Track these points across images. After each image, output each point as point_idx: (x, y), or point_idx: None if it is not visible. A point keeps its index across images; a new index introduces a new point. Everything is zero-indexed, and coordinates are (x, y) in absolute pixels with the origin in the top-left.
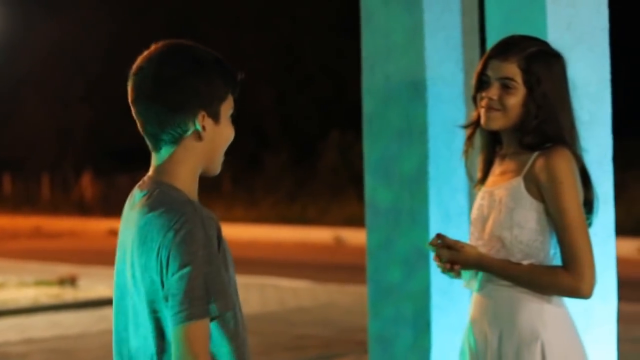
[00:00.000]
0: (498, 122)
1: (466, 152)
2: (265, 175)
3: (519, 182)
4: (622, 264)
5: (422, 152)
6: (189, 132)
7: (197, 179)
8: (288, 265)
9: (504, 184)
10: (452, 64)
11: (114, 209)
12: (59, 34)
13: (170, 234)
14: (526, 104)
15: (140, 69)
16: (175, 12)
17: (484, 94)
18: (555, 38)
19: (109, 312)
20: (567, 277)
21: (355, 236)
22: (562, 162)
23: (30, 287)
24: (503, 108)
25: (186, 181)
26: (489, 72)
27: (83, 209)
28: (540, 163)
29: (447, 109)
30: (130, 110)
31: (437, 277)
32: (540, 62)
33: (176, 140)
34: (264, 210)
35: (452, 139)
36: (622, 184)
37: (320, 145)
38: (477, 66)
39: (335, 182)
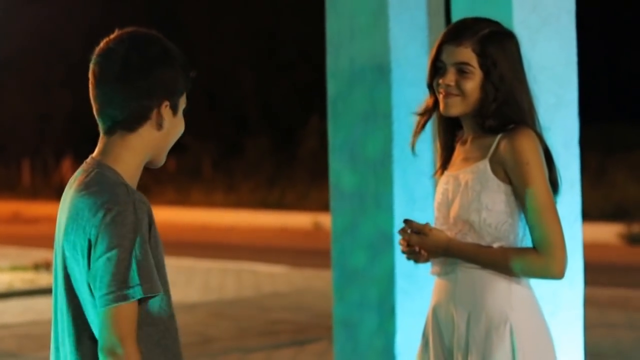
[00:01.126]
0: (457, 108)
1: (414, 140)
2: (245, 160)
3: (485, 164)
4: (602, 249)
5: (387, 135)
6: (150, 120)
7: (141, 169)
8: (266, 251)
9: (469, 168)
10: (417, 46)
11: None
12: (39, 19)
13: (100, 214)
14: (484, 87)
15: (109, 50)
16: None
17: (440, 81)
18: (521, 20)
19: None
20: (538, 259)
21: None
22: (527, 142)
23: (5, 272)
24: (461, 93)
25: (130, 167)
26: (444, 58)
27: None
28: (504, 144)
29: (412, 92)
30: None
31: (402, 262)
32: (495, 44)
33: (134, 127)
34: (244, 195)
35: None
36: (602, 168)
37: (301, 130)
38: (431, 52)
39: (315, 167)
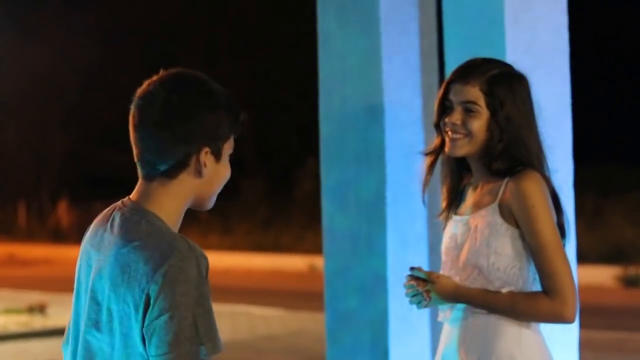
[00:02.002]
0: (464, 148)
1: (426, 181)
2: (241, 202)
3: (494, 209)
4: (598, 291)
5: (380, 177)
6: (189, 167)
7: (182, 215)
8: (261, 293)
9: (478, 212)
10: (409, 88)
11: None
12: (37, 60)
13: (162, 270)
14: (490, 127)
15: (149, 93)
16: (152, 38)
17: (447, 120)
18: (515, 60)
19: None
20: (549, 303)
21: None
22: (532, 185)
23: None
24: (468, 133)
25: (172, 215)
26: (451, 97)
27: (59, 237)
28: (511, 188)
29: (405, 134)
30: (107, 139)
31: (396, 305)
32: (503, 85)
33: (173, 173)
34: (239, 238)
35: (410, 164)
36: (598, 210)
37: (297, 172)
38: (439, 91)
39: (312, 209)
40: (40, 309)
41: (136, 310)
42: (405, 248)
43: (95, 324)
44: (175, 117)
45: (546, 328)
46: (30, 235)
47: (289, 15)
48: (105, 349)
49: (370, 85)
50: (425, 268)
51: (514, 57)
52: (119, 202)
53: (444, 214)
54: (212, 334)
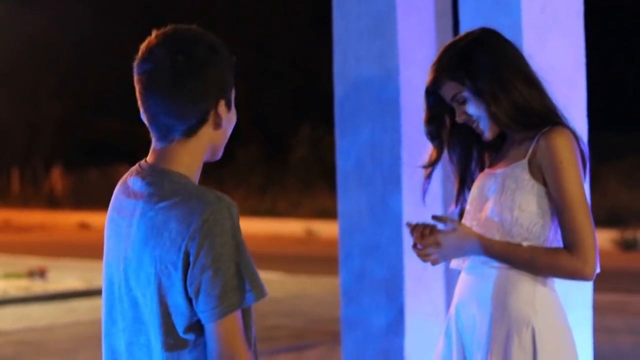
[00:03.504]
0: (489, 130)
1: (425, 190)
2: (236, 168)
3: (523, 164)
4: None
5: (395, 138)
6: (208, 122)
7: (201, 168)
8: (259, 258)
9: (508, 167)
10: (425, 49)
11: (84, 203)
12: (30, 28)
13: (196, 225)
14: (483, 104)
15: (153, 57)
16: (146, 7)
17: (459, 120)
18: (529, 21)
19: (78, 305)
20: (570, 259)
21: (326, 228)
22: (562, 142)
23: None
24: (476, 118)
25: (192, 170)
26: (444, 95)
27: (53, 203)
28: (541, 145)
29: (421, 94)
30: (100, 106)
31: (411, 264)
32: (462, 62)
33: (193, 131)
34: (236, 203)
35: None
36: (595, 175)
37: (291, 139)
38: (425, 111)
39: (306, 175)
40: (41, 273)
41: (175, 269)
42: (420, 208)
43: (131, 292)
44: (189, 78)
45: (562, 286)
46: (25, 202)
47: None
48: (145, 311)
49: (385, 46)
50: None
51: (529, 16)
52: (136, 166)
53: (454, 203)
54: (256, 279)
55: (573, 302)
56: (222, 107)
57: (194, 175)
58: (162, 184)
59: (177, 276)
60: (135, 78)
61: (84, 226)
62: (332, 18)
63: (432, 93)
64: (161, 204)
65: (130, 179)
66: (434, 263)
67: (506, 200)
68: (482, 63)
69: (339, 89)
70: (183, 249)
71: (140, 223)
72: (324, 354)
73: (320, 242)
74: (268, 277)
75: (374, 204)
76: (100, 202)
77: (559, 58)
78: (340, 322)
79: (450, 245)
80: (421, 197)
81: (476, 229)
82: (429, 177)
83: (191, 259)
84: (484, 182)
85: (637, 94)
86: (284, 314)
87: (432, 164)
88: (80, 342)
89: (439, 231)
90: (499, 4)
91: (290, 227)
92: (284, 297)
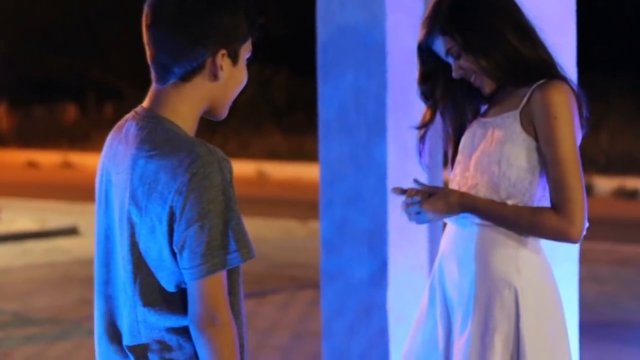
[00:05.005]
0: (485, 84)
1: (421, 150)
2: None
3: (514, 115)
4: (593, 202)
5: (381, 83)
6: (205, 69)
7: (197, 121)
8: None
9: (499, 117)
10: None
11: (31, 141)
12: None
13: (184, 178)
14: (474, 56)
15: None
16: None
17: (454, 74)
18: None
19: (33, 246)
20: (556, 219)
21: (278, 170)
22: (558, 96)
23: None
24: (473, 72)
25: (187, 120)
26: (438, 50)
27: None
28: (535, 97)
29: (407, 39)
30: (46, 43)
31: (394, 215)
32: (451, 17)
33: (188, 76)
34: None
35: (412, 70)
36: (593, 122)
37: None
38: (418, 69)
39: (255, 116)
40: None
41: (160, 223)
42: (404, 158)
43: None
44: (191, 17)
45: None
46: None
47: None
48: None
49: None
50: (425, 180)
51: None
52: (132, 112)
53: (450, 165)
54: (245, 239)
55: (559, 256)
56: (222, 57)
57: (190, 125)
58: (154, 130)
59: (161, 230)
60: (144, 11)
61: (31, 165)
62: None
63: (425, 50)
64: (151, 152)
65: (125, 125)
66: (418, 222)
67: (495, 152)
68: (472, 15)
69: (322, 32)
70: (169, 202)
71: (131, 171)
72: (286, 300)
73: (271, 183)
74: None
75: (358, 153)
76: (47, 140)
77: (548, 4)
78: (319, 273)
79: (434, 203)
80: (407, 149)
81: (469, 180)
82: (422, 138)
83: (177, 213)
84: (475, 130)
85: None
86: None
87: (425, 125)
88: (37, 284)
89: (423, 190)
90: None
91: (241, 167)
92: None
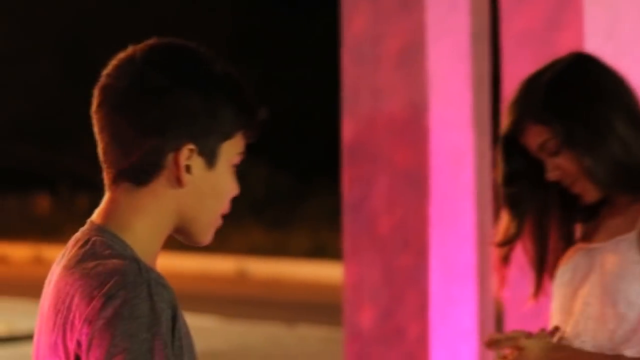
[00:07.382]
0: (587, 192)
1: (502, 277)
2: None
3: (630, 242)
4: None
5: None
6: (164, 169)
7: (162, 242)
8: (189, 298)
9: (609, 242)
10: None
11: (1, 233)
12: None
13: (98, 303)
14: (575, 154)
15: (120, 66)
16: (67, 28)
17: (548, 175)
18: (594, 49)
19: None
20: None
21: (259, 267)
22: None
23: None
24: (570, 174)
25: (141, 238)
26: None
27: None
28: None
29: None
30: (15, 131)
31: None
32: (548, 101)
33: (142, 178)
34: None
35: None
36: None
37: None
38: (502, 167)
39: (235, 209)
40: None
41: None
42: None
43: None
44: (147, 94)
45: None
46: None
47: None
48: None
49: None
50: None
51: (594, 44)
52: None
53: (535, 294)
54: None
55: None
56: (188, 154)
57: (145, 243)
58: (87, 245)
59: None
60: (95, 92)
61: (1, 259)
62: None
63: (512, 142)
64: (71, 270)
65: (69, 242)
66: None
67: (607, 289)
68: (576, 99)
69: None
70: (77, 335)
71: (49, 297)
72: None
73: (253, 282)
74: (204, 324)
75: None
76: (18, 232)
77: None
78: None
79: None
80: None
81: (574, 327)
82: (506, 260)
83: (85, 348)
84: (577, 262)
85: None
86: None
87: (510, 242)
88: None
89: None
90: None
91: (220, 264)
92: (227, 350)
